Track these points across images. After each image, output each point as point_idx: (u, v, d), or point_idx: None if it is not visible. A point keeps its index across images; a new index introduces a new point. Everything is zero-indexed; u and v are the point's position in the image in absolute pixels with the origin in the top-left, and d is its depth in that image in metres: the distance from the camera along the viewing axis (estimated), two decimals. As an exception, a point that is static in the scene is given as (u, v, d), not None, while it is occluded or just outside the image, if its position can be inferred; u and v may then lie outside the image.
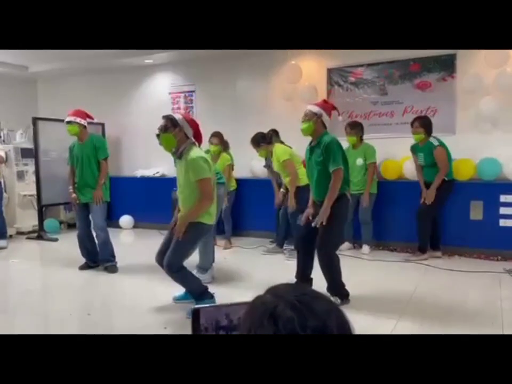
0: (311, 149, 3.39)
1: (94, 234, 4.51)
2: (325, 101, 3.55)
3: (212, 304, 0.97)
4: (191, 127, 3.22)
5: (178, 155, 3.20)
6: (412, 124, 4.72)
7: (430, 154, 4.62)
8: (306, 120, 3.32)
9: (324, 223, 3.22)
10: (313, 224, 3.28)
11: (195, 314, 0.93)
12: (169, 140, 3.18)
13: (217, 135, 5.42)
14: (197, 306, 0.95)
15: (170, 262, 3.12)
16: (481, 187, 4.89)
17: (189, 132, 3.21)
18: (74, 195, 4.45)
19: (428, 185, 4.67)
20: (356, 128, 5.08)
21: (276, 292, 0.76)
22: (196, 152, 3.16)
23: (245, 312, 0.77)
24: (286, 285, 0.78)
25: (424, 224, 4.69)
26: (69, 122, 4.37)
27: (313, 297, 0.74)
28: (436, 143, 4.61)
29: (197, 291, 3.27)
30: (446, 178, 4.62)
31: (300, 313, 0.69)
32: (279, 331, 0.68)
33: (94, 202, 4.40)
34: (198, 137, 3.31)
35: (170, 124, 3.16)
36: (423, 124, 4.66)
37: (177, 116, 3.24)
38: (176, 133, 3.16)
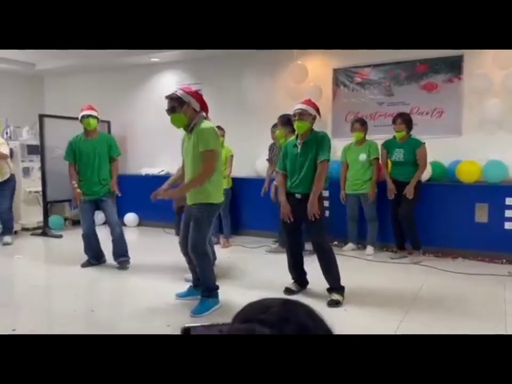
0: (303, 146, 3.47)
1: (109, 230, 4.50)
2: (310, 101, 3.59)
3: (204, 324, 0.94)
4: (196, 100, 3.22)
5: (190, 130, 3.21)
6: (395, 120, 4.76)
7: (412, 151, 4.65)
8: (304, 120, 3.43)
9: (318, 215, 3.38)
10: (310, 219, 3.39)
11: (185, 334, 0.91)
12: (179, 119, 3.20)
13: (220, 128, 5.43)
14: (187, 325, 0.92)
15: (195, 242, 3.21)
16: (486, 189, 4.87)
17: (196, 106, 3.21)
18: (79, 191, 4.38)
19: (399, 183, 4.71)
20: (365, 125, 5.10)
21: (243, 317, 0.74)
22: (207, 123, 3.18)
23: None
24: (249, 307, 0.75)
25: (411, 225, 4.71)
26: (91, 116, 4.40)
27: (281, 308, 0.73)
28: (422, 140, 4.68)
29: (209, 285, 3.32)
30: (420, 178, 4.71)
31: (277, 326, 0.69)
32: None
33: (109, 198, 4.42)
34: (204, 108, 3.29)
35: (177, 103, 3.17)
36: (406, 120, 4.72)
37: (180, 92, 3.21)
38: (185, 110, 3.17)
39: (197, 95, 3.26)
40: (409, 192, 4.60)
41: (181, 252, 3.50)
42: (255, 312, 0.72)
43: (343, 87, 5.84)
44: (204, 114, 3.26)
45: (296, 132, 3.61)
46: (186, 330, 0.89)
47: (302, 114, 3.44)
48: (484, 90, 4.94)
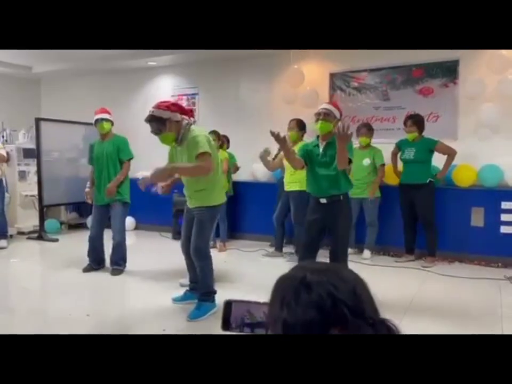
0: (326, 146, 3.30)
1: (111, 236, 4.44)
2: (336, 103, 3.53)
3: (243, 299, 0.92)
4: (174, 111, 3.12)
5: (180, 141, 3.18)
6: (405, 122, 4.81)
7: (423, 151, 4.69)
8: (328, 120, 3.27)
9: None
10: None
11: (227, 307, 0.89)
12: (168, 138, 3.17)
13: (212, 132, 5.41)
14: (229, 298, 0.90)
15: (198, 246, 3.21)
16: (482, 194, 4.89)
17: (177, 117, 3.12)
18: (87, 190, 4.43)
19: (410, 186, 4.71)
20: (371, 130, 5.13)
21: (299, 266, 0.77)
22: (196, 131, 3.13)
23: (273, 289, 0.75)
24: (306, 261, 0.81)
25: (434, 232, 4.73)
26: (104, 119, 4.36)
27: (336, 266, 0.78)
28: (435, 139, 4.71)
29: (207, 288, 3.32)
30: (431, 179, 4.70)
31: (330, 277, 0.72)
32: (313, 296, 0.70)
33: (117, 203, 4.36)
34: (185, 112, 3.21)
35: (160, 124, 3.10)
36: (416, 122, 4.74)
37: (157, 112, 3.09)
38: (169, 127, 3.11)
39: (173, 107, 3.15)
40: (440, 175, 4.70)
41: (182, 252, 3.49)
42: (312, 264, 0.78)
43: (340, 92, 5.86)
44: (187, 120, 3.17)
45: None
46: (228, 303, 0.88)
47: (327, 115, 3.27)
48: (479, 95, 4.97)
